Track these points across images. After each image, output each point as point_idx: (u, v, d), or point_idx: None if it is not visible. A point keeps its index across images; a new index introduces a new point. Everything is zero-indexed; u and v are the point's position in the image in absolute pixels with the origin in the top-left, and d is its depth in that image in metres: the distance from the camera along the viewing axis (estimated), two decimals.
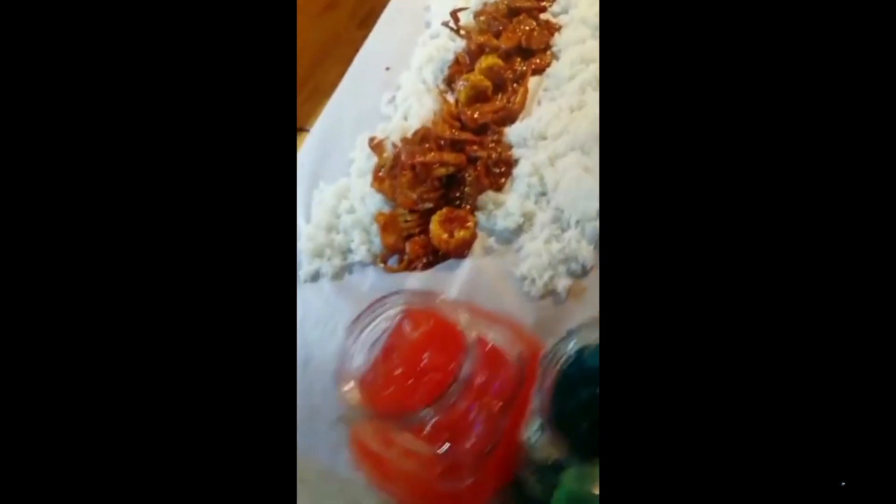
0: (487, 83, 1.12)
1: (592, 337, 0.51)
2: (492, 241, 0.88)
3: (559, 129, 0.95)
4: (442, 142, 0.96)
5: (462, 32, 1.30)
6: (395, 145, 1.05)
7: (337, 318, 0.88)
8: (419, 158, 0.90)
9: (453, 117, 1.05)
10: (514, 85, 1.14)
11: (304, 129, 1.74)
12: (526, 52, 1.18)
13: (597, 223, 0.81)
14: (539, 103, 1.08)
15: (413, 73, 1.31)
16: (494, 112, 1.06)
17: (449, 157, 0.94)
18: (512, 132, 1.01)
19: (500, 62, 1.16)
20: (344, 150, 1.24)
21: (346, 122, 1.35)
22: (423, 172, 0.91)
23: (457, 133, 0.98)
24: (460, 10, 1.25)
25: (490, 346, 0.52)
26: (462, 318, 0.49)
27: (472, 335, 0.50)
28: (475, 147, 0.98)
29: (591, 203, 0.82)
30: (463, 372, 0.47)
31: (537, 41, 1.17)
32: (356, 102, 1.37)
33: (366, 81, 1.42)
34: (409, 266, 0.91)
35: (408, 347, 0.53)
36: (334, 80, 1.60)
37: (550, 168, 0.90)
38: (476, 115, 1.03)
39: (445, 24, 1.27)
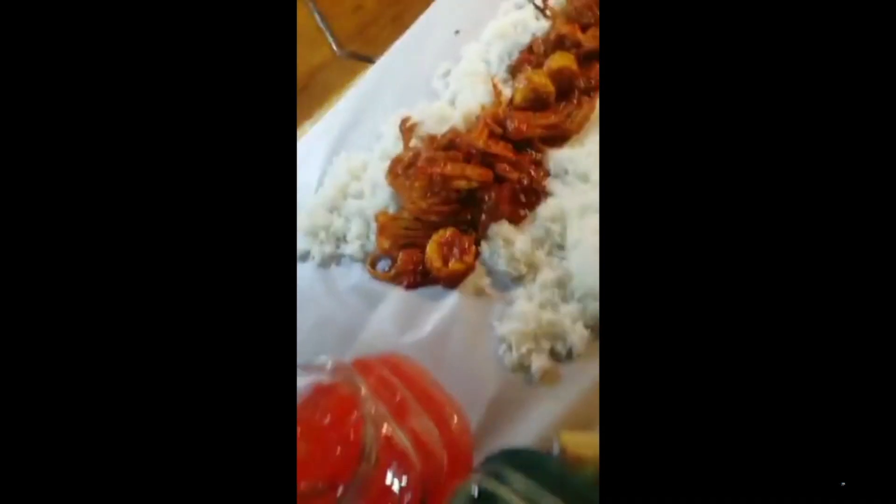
0: (551, 88, 0.96)
1: (499, 479, 0.44)
2: (487, 282, 0.79)
3: None
4: (472, 150, 0.85)
5: (548, 13, 1.13)
6: (421, 139, 0.96)
7: (305, 314, 0.86)
8: (438, 169, 0.81)
9: (497, 121, 0.93)
10: (582, 97, 1.00)
11: (368, 59, 1.64)
12: None
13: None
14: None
15: (480, 47, 1.17)
16: (546, 127, 0.93)
17: (473, 171, 0.83)
18: (555, 157, 0.88)
19: (574, 65, 0.99)
20: (377, 120, 1.15)
21: (390, 87, 1.24)
22: (439, 182, 0.83)
23: (492, 145, 0.87)
24: None
25: (400, 448, 0.47)
26: (369, 412, 0.43)
27: (380, 432, 0.44)
28: (507, 167, 0.87)
29: None
30: (356, 479, 0.42)
31: None
32: (409, 65, 1.25)
33: (427, 41, 1.29)
34: (396, 278, 0.85)
35: (313, 428, 0.48)
36: (417, 14, 1.47)
37: (578, 220, 0.78)
38: (524, 127, 0.91)
39: (530, 0, 1.11)
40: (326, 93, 1.72)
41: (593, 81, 1.00)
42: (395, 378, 0.56)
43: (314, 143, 1.22)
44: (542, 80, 0.95)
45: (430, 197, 0.82)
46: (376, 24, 2.20)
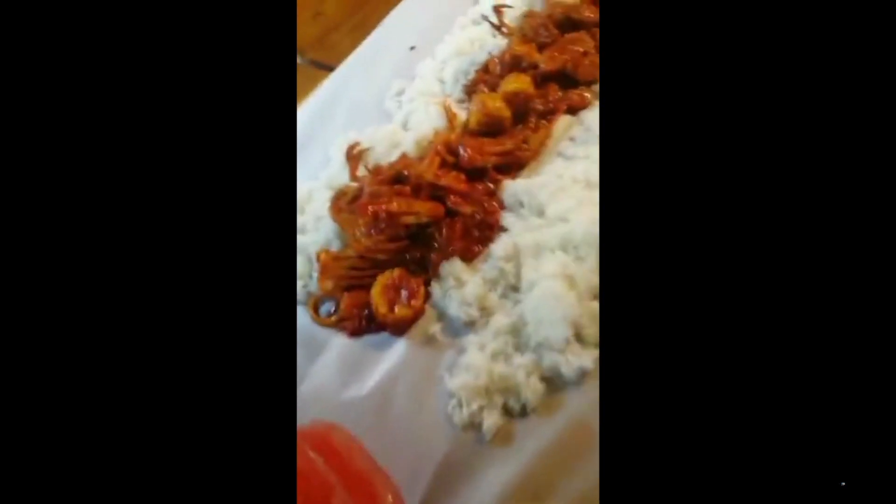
0: (506, 113, 0.91)
1: None
2: (437, 328, 0.73)
3: (562, 208, 0.76)
4: (422, 183, 0.80)
5: (504, 30, 1.09)
6: (367, 169, 0.89)
7: None
8: (384, 205, 0.75)
9: (449, 149, 0.88)
10: (539, 121, 0.96)
11: (329, 68, 1.57)
12: (567, 81, 0.95)
13: (559, 358, 0.64)
14: (559, 156, 0.89)
15: (435, 64, 1.11)
16: (500, 155, 0.88)
17: (423, 207, 0.78)
18: (510, 188, 0.83)
19: (530, 87, 0.93)
20: (327, 141, 1.09)
21: (342, 106, 1.17)
22: (385, 219, 0.77)
23: (443, 176, 0.81)
24: (504, 5, 1.04)
25: None
26: None
27: None
28: (459, 200, 0.82)
29: (559, 330, 0.65)
30: None
31: (586, 71, 0.94)
32: (362, 81, 1.18)
33: (382, 56, 1.22)
34: (339, 324, 0.79)
35: None
36: (378, 22, 1.41)
37: (532, 260, 0.74)
38: (477, 156, 0.86)
39: (485, 17, 1.06)
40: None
41: (551, 104, 0.97)
42: (320, 460, 0.50)
43: None
44: (496, 103, 0.90)
45: (375, 234, 0.76)
46: (337, 31, 2.13)
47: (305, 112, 1.16)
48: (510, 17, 1.07)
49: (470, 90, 1.03)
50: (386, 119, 1.06)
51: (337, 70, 1.22)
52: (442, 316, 0.75)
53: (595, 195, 0.77)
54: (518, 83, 0.93)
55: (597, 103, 0.93)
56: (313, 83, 1.48)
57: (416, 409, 0.69)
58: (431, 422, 0.67)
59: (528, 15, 1.01)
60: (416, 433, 0.67)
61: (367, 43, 1.20)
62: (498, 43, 1.07)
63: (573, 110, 0.92)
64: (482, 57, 1.06)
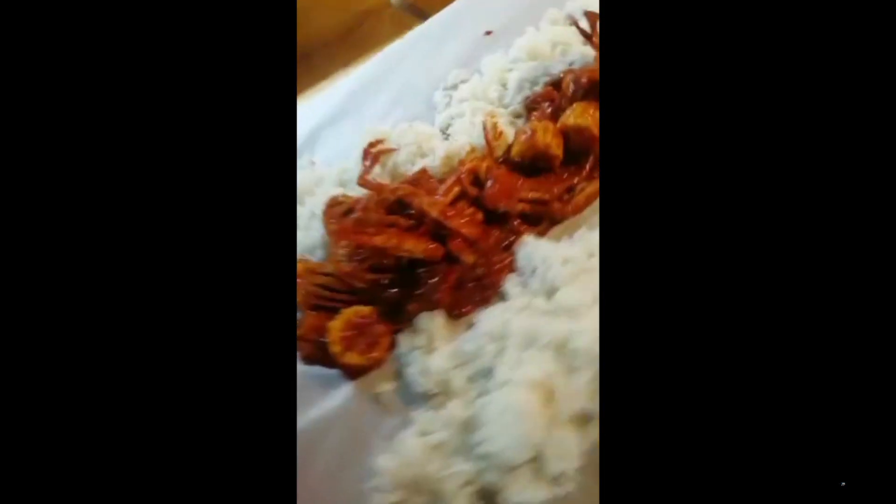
0: (557, 152, 0.76)
1: None
2: (391, 387, 0.65)
3: (576, 299, 0.61)
4: (425, 217, 0.69)
5: (595, 41, 0.90)
6: (370, 185, 0.75)
7: None
8: (370, 237, 0.65)
9: (475, 177, 0.75)
10: (593, 172, 0.80)
11: (423, 15, 1.44)
12: None
13: (504, 481, 0.52)
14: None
15: (502, 62, 0.97)
16: (531, 203, 0.75)
17: (416, 245, 0.67)
18: (529, 246, 0.69)
19: (597, 118, 0.79)
20: (364, 119, 0.99)
21: (393, 82, 1.07)
22: (368, 251, 0.67)
23: (454, 213, 0.69)
24: (593, 13, 0.84)
25: None
26: None
27: None
28: (463, 246, 0.70)
29: (514, 451, 0.52)
30: None
31: None
32: (421, 59, 1.06)
33: (452, 34, 1.09)
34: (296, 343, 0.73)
35: None
36: None
37: (518, 352, 0.60)
38: (503, 198, 0.73)
39: (573, 21, 0.88)
40: (370, 42, 1.55)
41: None
42: None
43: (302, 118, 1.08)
44: (547, 137, 0.75)
45: (355, 261, 0.68)
46: None
47: (353, 80, 1.06)
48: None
49: (531, 106, 0.89)
50: (430, 114, 0.95)
51: (405, 37, 1.10)
52: (401, 373, 0.67)
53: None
54: (585, 118, 0.77)
55: None
56: (401, 29, 1.37)
57: (337, 469, 0.62)
58: (347, 490, 0.61)
59: None
60: (329, 494, 0.62)
61: (442, 15, 1.07)
62: (584, 54, 0.91)
63: None
64: (559, 67, 0.90)
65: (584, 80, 0.82)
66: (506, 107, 0.87)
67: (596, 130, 0.77)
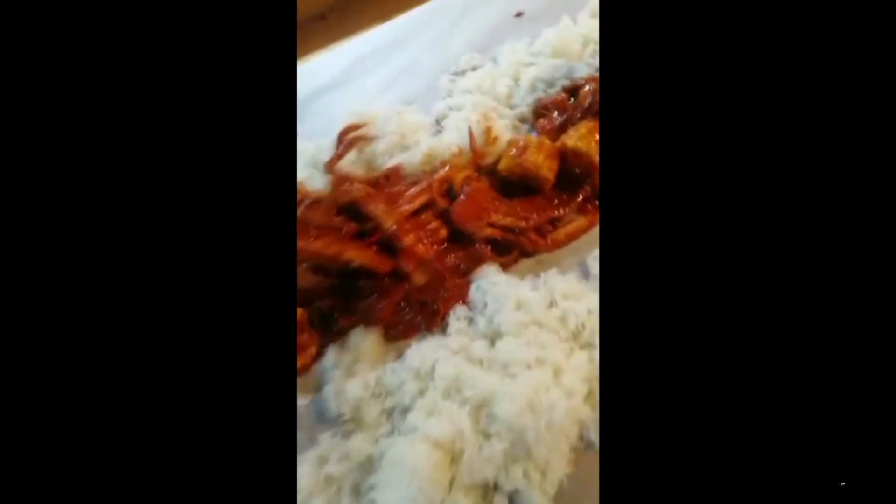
0: (549, 175, 0.67)
1: None
2: (304, 401, 0.59)
3: (518, 357, 0.54)
4: (382, 227, 0.62)
5: None
6: (338, 177, 0.68)
7: None
8: (308, 240, 0.58)
9: (446, 189, 0.67)
10: (588, 204, 0.70)
11: None
12: None
13: None
14: (578, 266, 0.62)
15: (519, 55, 0.85)
16: (503, 230, 0.67)
17: (360, 254, 0.60)
18: (488, 278, 0.62)
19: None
20: (362, 91, 0.90)
21: (391, 62, 0.94)
22: (307, 255, 0.61)
23: (410, 228, 0.61)
24: None
25: None
26: None
27: None
28: (413, 267, 0.64)
29: None
30: None
31: None
32: (430, 37, 0.94)
33: (471, 12, 0.96)
34: None
35: None
36: None
37: (438, 397, 0.54)
38: (471, 221, 0.65)
39: None
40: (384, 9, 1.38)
41: None
42: None
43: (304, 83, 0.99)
44: (538, 157, 0.66)
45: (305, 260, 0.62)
46: None
47: (354, 48, 0.97)
48: None
49: (540, 111, 0.79)
50: (430, 100, 0.86)
51: (422, 6, 0.99)
52: (317, 388, 0.63)
53: (579, 363, 0.54)
54: (588, 142, 0.67)
55: None
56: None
57: None
58: None
59: None
60: None
61: None
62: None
63: None
64: (583, 71, 0.79)
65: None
66: (512, 107, 0.77)
67: (597, 159, 0.67)
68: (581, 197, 0.68)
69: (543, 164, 0.66)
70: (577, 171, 0.68)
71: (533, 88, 0.77)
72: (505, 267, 0.66)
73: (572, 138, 0.67)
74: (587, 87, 0.73)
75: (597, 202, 0.68)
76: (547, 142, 0.67)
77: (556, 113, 0.75)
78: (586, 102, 0.73)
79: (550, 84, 0.77)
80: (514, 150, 0.67)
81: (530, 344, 0.56)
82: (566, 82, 0.77)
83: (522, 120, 0.77)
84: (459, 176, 0.66)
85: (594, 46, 0.79)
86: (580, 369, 0.55)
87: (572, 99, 0.75)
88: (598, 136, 0.67)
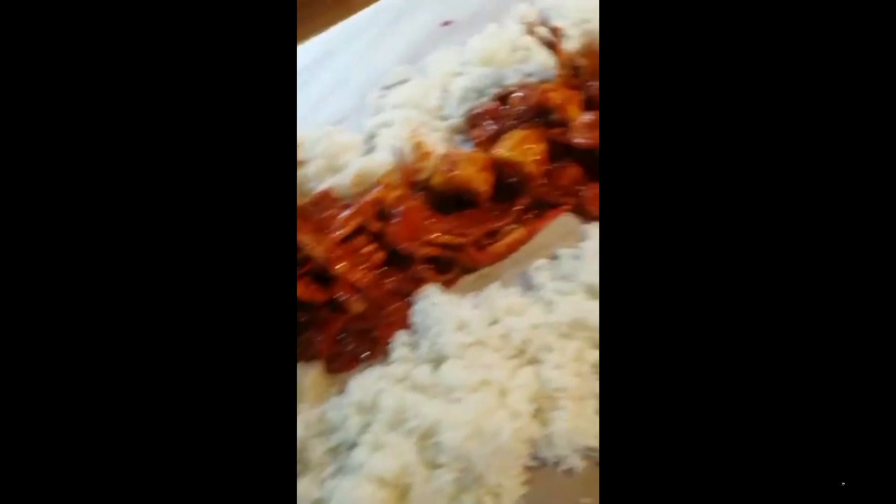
0: (484, 187, 0.66)
1: None
2: None
3: (462, 381, 0.52)
4: (312, 256, 0.59)
5: (561, 54, 0.78)
6: None
7: None
8: None
9: (379, 211, 0.64)
10: (527, 214, 0.70)
11: None
12: (596, 170, 0.66)
13: None
14: (520, 278, 0.61)
15: (451, 63, 0.83)
16: (444, 246, 0.64)
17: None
18: (430, 299, 0.60)
19: (536, 161, 0.65)
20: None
21: (322, 77, 0.90)
22: None
23: (338, 256, 0.58)
24: (558, 30, 0.70)
25: None
26: None
27: None
28: (349, 294, 0.61)
29: None
30: None
31: None
32: (359, 50, 0.91)
33: (399, 23, 0.93)
34: None
35: None
36: None
37: (381, 430, 0.51)
38: (406, 238, 0.64)
39: (530, 27, 0.75)
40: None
41: (557, 195, 0.70)
42: None
43: None
44: (469, 170, 0.64)
45: None
46: None
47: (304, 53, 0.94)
48: (572, 41, 0.76)
49: (473, 122, 0.79)
50: (362, 116, 0.84)
51: (352, 18, 0.97)
52: None
53: (524, 381, 0.52)
54: (521, 151, 0.66)
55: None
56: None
57: None
58: None
59: (585, 53, 0.70)
60: None
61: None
62: (545, 66, 0.79)
63: (584, 214, 0.68)
64: (513, 78, 0.78)
65: (534, 99, 0.72)
66: (445, 119, 0.76)
67: (532, 167, 0.67)
68: (519, 206, 0.68)
69: (476, 178, 0.65)
70: (514, 180, 0.68)
71: (464, 98, 0.76)
72: (447, 285, 0.64)
73: (504, 148, 0.66)
74: (517, 94, 0.72)
75: (536, 211, 0.68)
76: (479, 154, 0.66)
77: (489, 122, 0.74)
78: (517, 110, 0.73)
79: (481, 93, 0.76)
80: (446, 165, 0.66)
81: (473, 366, 0.55)
82: (496, 90, 0.77)
83: (456, 131, 0.76)
84: (392, 196, 0.64)
85: (522, 52, 0.79)
86: (526, 388, 0.54)
87: (504, 106, 0.76)
88: (531, 144, 0.67)
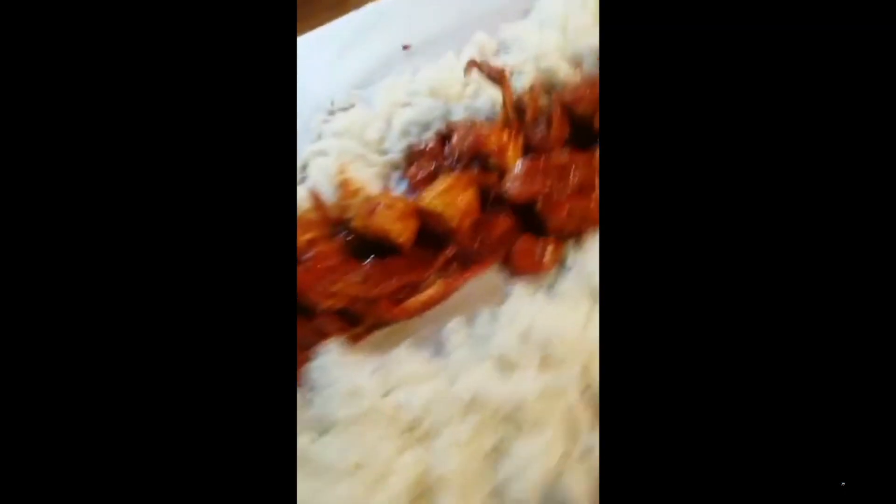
0: (402, 238, 0.60)
1: None
2: None
3: (339, 454, 0.48)
4: None
5: (507, 93, 0.71)
6: None
7: None
8: None
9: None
10: (451, 266, 0.64)
11: None
12: (531, 223, 0.61)
13: None
14: (420, 343, 0.57)
15: (397, 92, 0.78)
16: (350, 300, 0.58)
17: None
18: (328, 359, 0.54)
19: (463, 209, 0.60)
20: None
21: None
22: None
23: None
24: (503, 72, 0.64)
25: None
26: None
27: None
28: None
29: None
30: None
31: (557, 220, 0.58)
32: (312, 71, 0.85)
33: (357, 43, 0.88)
34: None
35: None
36: None
37: None
38: (310, 291, 0.57)
39: (474, 63, 0.69)
40: None
41: (488, 244, 0.65)
42: None
43: None
44: (386, 220, 0.59)
45: None
46: None
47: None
48: (525, 77, 0.71)
49: (413, 158, 0.74)
50: (303, 142, 0.81)
51: (306, 35, 0.91)
52: None
53: (411, 461, 0.48)
54: (444, 201, 0.60)
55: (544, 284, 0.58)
56: None
57: None
58: None
59: (534, 94, 0.65)
60: None
61: (359, 13, 0.88)
62: (495, 102, 0.74)
63: (512, 270, 0.61)
64: (458, 114, 0.73)
65: (469, 140, 0.67)
66: (384, 153, 0.72)
67: (455, 218, 0.61)
68: (442, 259, 0.63)
69: (393, 227, 0.60)
70: (431, 232, 0.63)
71: (406, 132, 0.71)
72: (354, 340, 0.60)
73: (428, 196, 0.61)
74: (458, 135, 0.68)
75: (460, 265, 0.62)
76: (400, 200, 0.61)
77: (428, 160, 0.70)
78: (457, 151, 0.68)
79: (426, 127, 0.72)
80: (366, 209, 0.62)
81: (355, 442, 0.51)
82: (443, 125, 0.73)
83: (395, 167, 0.72)
84: (302, 239, 0.61)
85: (474, 86, 0.75)
86: (411, 468, 0.51)
87: (448, 144, 0.71)
88: (460, 192, 0.62)
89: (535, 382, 0.51)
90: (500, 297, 0.60)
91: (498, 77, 0.65)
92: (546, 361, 0.53)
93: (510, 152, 0.64)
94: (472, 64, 0.66)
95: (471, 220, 0.62)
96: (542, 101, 0.66)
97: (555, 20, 0.75)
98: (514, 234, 0.63)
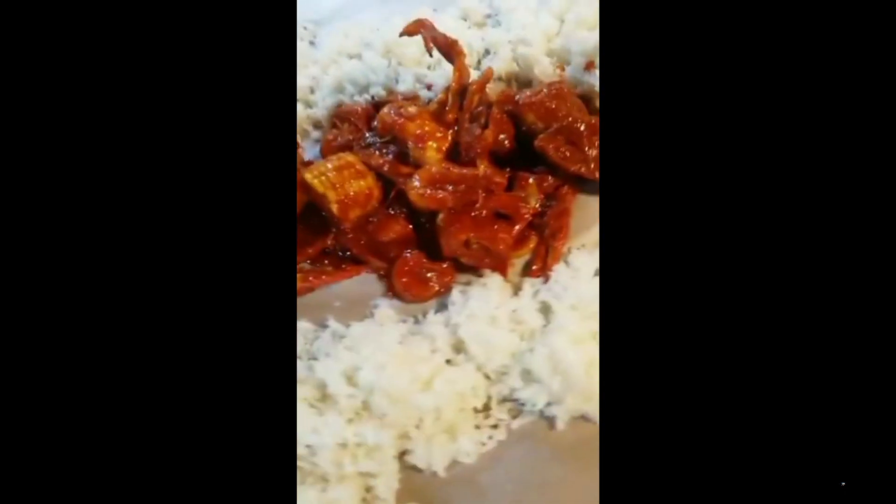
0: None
1: None
2: None
3: None
4: None
5: (458, 75, 0.56)
6: None
7: None
8: None
9: None
10: (325, 260, 0.54)
11: None
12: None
13: None
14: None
15: (345, 38, 0.65)
16: None
17: None
18: None
19: (353, 190, 0.49)
20: None
21: None
22: None
23: None
24: (454, 43, 0.52)
25: None
26: None
27: None
28: None
29: None
30: None
31: (453, 247, 0.48)
32: None
33: None
34: None
35: None
36: None
37: None
38: None
39: (412, 31, 0.54)
40: None
41: (373, 246, 0.54)
42: None
43: None
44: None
45: None
46: None
47: None
48: (497, 61, 0.58)
49: (336, 120, 0.62)
50: None
51: None
52: None
53: None
54: (338, 180, 0.49)
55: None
56: None
57: None
58: None
59: (477, 88, 0.51)
60: None
61: None
62: (448, 78, 0.60)
63: (390, 286, 0.51)
64: (407, 83, 0.62)
65: (389, 119, 0.55)
66: (309, 105, 0.61)
67: (339, 210, 0.49)
68: (315, 248, 0.53)
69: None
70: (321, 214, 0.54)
71: (339, 88, 0.61)
72: None
73: (314, 171, 0.51)
74: (385, 109, 0.56)
75: (333, 259, 0.53)
76: (321, 165, 0.50)
77: (349, 128, 0.59)
78: (378, 128, 0.57)
79: (363, 89, 0.61)
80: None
81: None
82: (383, 92, 0.61)
83: (316, 125, 0.62)
84: None
85: (437, 56, 0.62)
86: None
87: (376, 114, 0.60)
88: (354, 178, 0.51)
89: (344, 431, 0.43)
90: (364, 311, 0.52)
91: (447, 50, 0.53)
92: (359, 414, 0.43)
93: (430, 148, 0.53)
94: (417, 24, 0.53)
95: (359, 213, 0.53)
96: (490, 94, 0.54)
97: (557, 3, 0.61)
98: (404, 246, 0.53)
